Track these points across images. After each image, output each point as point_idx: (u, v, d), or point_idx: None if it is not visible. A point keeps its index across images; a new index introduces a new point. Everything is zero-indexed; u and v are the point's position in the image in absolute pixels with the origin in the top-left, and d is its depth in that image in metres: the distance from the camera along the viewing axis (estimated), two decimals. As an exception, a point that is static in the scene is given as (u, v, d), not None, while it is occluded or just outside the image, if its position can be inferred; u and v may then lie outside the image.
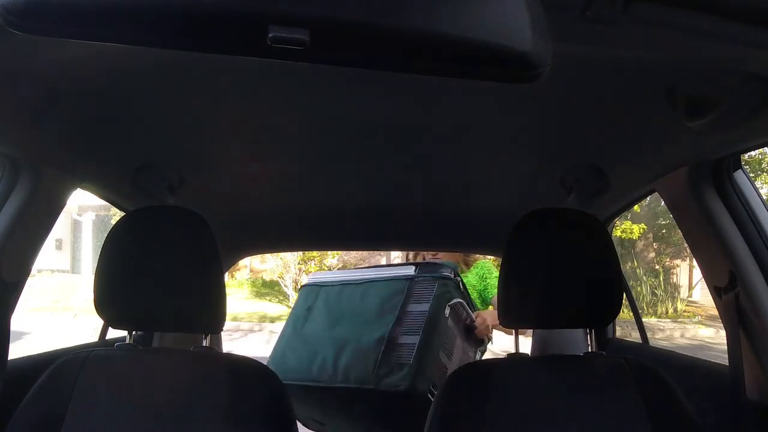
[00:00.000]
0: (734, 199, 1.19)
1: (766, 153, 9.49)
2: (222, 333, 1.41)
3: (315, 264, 11.86)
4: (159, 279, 1.10)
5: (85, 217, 15.65)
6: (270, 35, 0.45)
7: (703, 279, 1.31)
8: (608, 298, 1.15)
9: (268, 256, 11.81)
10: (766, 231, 1.16)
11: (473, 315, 2.06)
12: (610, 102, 1.11)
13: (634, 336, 2.05)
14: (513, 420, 1.07)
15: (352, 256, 11.44)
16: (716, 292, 1.21)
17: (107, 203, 1.67)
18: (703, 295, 11.68)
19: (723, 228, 1.17)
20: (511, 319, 1.18)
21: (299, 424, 1.65)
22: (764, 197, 1.21)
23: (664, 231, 12.17)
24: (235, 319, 10.62)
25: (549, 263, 1.14)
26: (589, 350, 1.30)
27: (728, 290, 1.17)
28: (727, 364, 1.17)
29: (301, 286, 2.29)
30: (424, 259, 2.51)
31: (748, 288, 1.13)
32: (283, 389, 1.14)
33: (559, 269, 1.13)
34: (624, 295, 1.29)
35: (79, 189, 1.37)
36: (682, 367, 1.43)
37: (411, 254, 2.71)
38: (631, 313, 1.94)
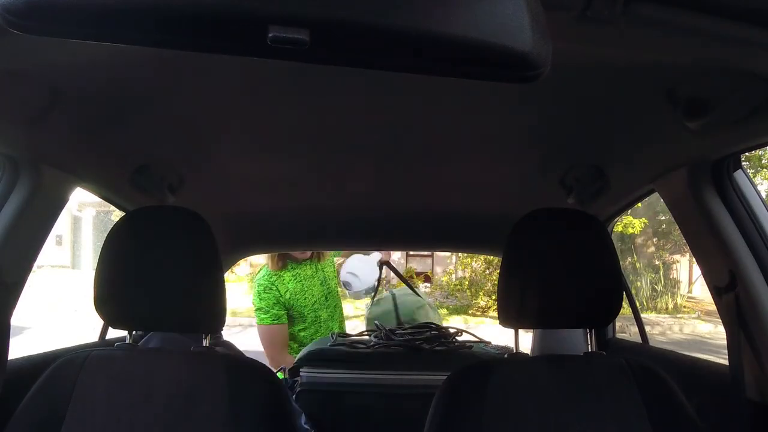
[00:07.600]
0: (734, 199, 1.18)
1: (766, 149, 9.48)
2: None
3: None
4: (159, 279, 1.09)
5: (85, 213, 15.67)
6: (270, 35, 0.45)
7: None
8: (608, 298, 1.14)
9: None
10: (766, 231, 1.16)
11: None
12: (610, 102, 1.11)
13: (632, 331, 2.05)
14: (513, 420, 1.07)
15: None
16: (716, 292, 1.21)
17: (107, 200, 1.66)
18: (702, 291, 11.69)
19: (723, 228, 1.16)
20: (510, 319, 1.18)
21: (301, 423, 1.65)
22: (764, 194, 1.20)
23: (664, 226, 12.17)
24: (234, 314, 10.63)
25: (549, 263, 1.13)
26: (589, 350, 1.30)
27: (728, 290, 1.17)
28: (726, 362, 1.18)
29: (299, 391, 1.79)
30: None
31: (748, 288, 1.13)
32: (283, 389, 1.14)
33: (559, 269, 1.13)
34: (624, 294, 1.29)
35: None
36: (682, 366, 1.42)
37: None
38: (630, 309, 1.94)
